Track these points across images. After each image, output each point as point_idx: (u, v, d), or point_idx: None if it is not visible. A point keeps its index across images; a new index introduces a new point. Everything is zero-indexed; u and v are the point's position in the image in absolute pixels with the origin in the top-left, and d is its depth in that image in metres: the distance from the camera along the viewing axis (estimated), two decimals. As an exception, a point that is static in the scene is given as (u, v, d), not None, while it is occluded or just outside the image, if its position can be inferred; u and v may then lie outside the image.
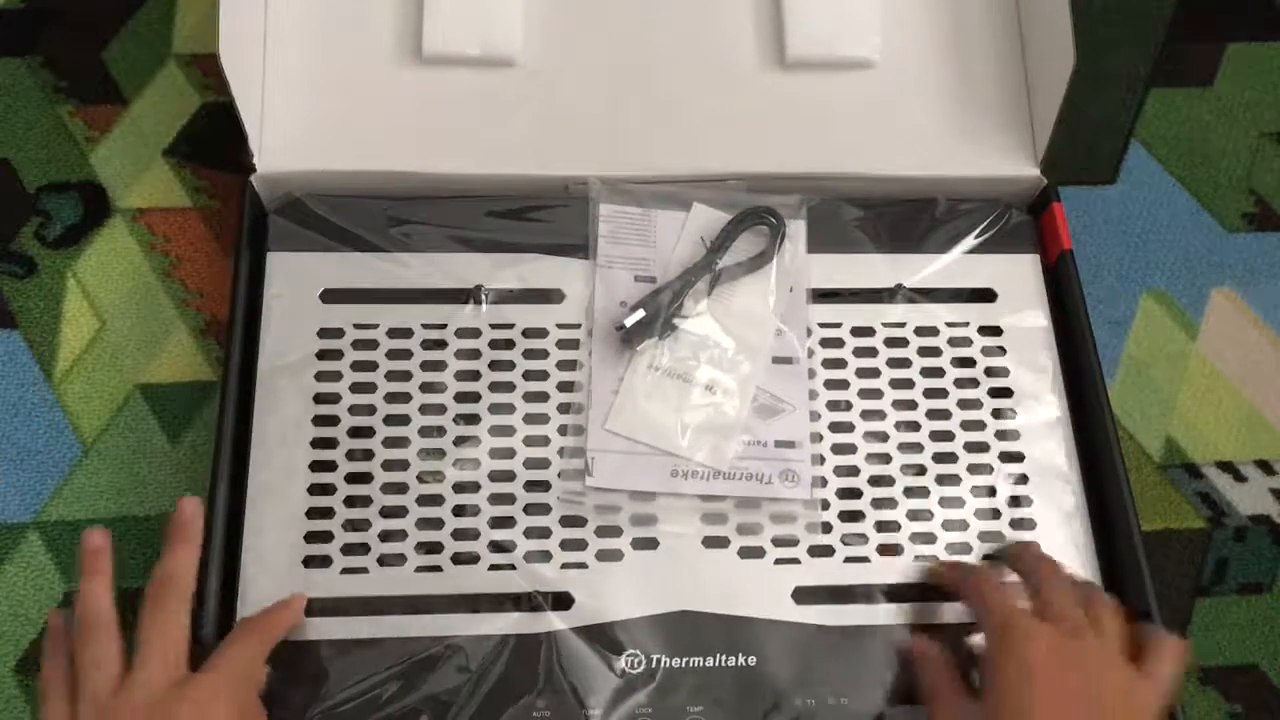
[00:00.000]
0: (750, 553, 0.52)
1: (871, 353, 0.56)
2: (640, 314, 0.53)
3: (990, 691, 0.44)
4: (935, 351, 0.57)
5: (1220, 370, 0.64)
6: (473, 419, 0.53)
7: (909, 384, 0.56)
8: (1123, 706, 0.43)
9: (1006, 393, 0.56)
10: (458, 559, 0.51)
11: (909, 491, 0.54)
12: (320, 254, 0.56)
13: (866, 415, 0.55)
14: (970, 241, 0.59)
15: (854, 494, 0.53)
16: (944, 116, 0.61)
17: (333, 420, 0.53)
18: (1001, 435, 0.55)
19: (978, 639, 0.49)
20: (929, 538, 0.53)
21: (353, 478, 0.52)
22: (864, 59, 0.61)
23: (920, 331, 0.57)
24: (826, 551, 0.52)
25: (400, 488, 0.52)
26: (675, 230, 0.57)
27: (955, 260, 0.58)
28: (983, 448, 0.55)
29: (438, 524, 0.52)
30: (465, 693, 0.48)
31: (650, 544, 0.52)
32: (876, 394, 0.55)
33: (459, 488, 0.52)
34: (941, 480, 0.54)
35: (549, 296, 0.56)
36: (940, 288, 0.58)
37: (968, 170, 0.60)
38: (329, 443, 0.52)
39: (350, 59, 0.60)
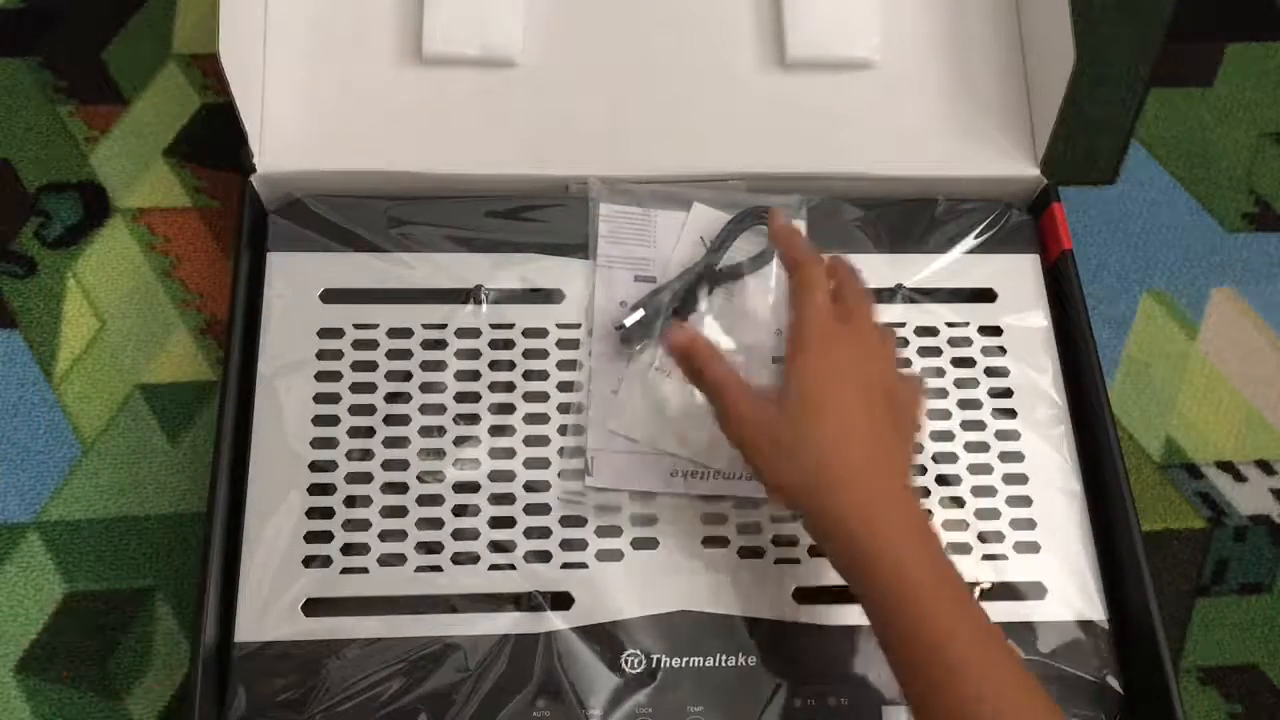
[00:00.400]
0: (750, 553, 0.52)
1: (871, 353, 0.56)
2: (640, 314, 0.53)
3: (790, 378, 0.46)
4: (935, 351, 0.57)
5: (1220, 370, 0.64)
6: (473, 419, 0.53)
7: (909, 384, 0.56)
8: (899, 400, 0.48)
9: (1007, 393, 0.56)
10: (458, 559, 0.51)
11: (909, 491, 0.54)
12: (320, 254, 0.56)
13: (866, 415, 0.55)
14: (970, 241, 0.59)
15: (854, 494, 0.53)
16: (944, 116, 0.61)
17: (333, 420, 0.53)
18: (1001, 435, 0.55)
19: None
20: (929, 538, 0.53)
21: (353, 477, 0.52)
22: (864, 59, 0.61)
23: (920, 331, 0.57)
24: (826, 551, 0.52)
25: (400, 488, 0.52)
26: (675, 230, 0.57)
27: (955, 260, 0.58)
28: (982, 448, 0.55)
29: (438, 524, 0.52)
30: (465, 692, 0.48)
31: (650, 544, 0.52)
32: (876, 394, 0.55)
33: (459, 488, 0.52)
34: (941, 480, 0.54)
35: (549, 296, 0.56)
36: (940, 288, 0.58)
37: (968, 170, 0.60)
38: (329, 443, 0.52)
39: (350, 59, 0.60)
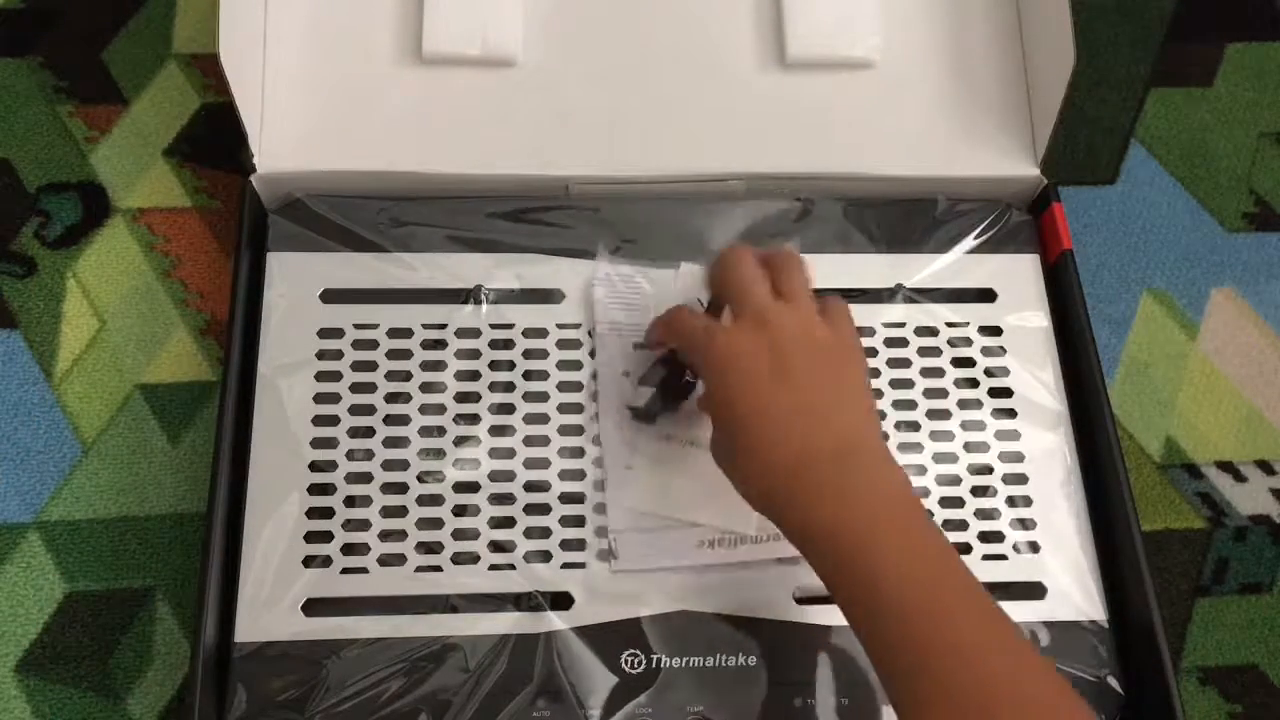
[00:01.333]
0: (750, 553, 0.52)
1: (871, 353, 0.56)
2: (649, 390, 0.52)
3: (708, 400, 0.47)
4: (935, 351, 0.57)
5: (1220, 370, 0.64)
6: (473, 419, 0.53)
7: (909, 384, 0.56)
8: (822, 354, 0.46)
9: (1006, 393, 0.56)
10: (458, 559, 0.51)
11: (909, 491, 0.54)
12: (320, 254, 0.56)
13: (866, 415, 0.55)
14: (970, 241, 0.59)
15: (854, 494, 0.53)
16: (944, 116, 0.61)
17: (333, 420, 0.53)
18: (1001, 436, 0.55)
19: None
20: (929, 538, 0.53)
21: (353, 477, 0.52)
22: (864, 59, 0.61)
23: (920, 331, 0.57)
24: (826, 551, 0.52)
25: (400, 488, 0.52)
26: (666, 292, 0.56)
27: (955, 260, 0.58)
28: (982, 448, 0.55)
29: (438, 524, 0.52)
30: (465, 692, 0.48)
31: (650, 544, 0.52)
32: (876, 394, 0.55)
33: (459, 488, 0.52)
34: (941, 480, 0.54)
35: (549, 296, 0.56)
36: (940, 288, 0.58)
37: (968, 170, 0.60)
38: (329, 443, 0.52)
39: (350, 59, 0.60)
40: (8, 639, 0.54)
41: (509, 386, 0.54)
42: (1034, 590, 0.52)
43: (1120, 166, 0.68)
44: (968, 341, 0.57)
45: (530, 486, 0.52)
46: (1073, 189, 0.67)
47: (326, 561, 0.50)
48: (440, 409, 0.53)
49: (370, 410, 0.53)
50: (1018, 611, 0.51)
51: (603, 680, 0.49)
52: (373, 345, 0.54)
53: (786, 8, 0.61)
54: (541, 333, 0.55)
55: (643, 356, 0.54)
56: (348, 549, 0.51)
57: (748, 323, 0.46)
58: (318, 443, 0.52)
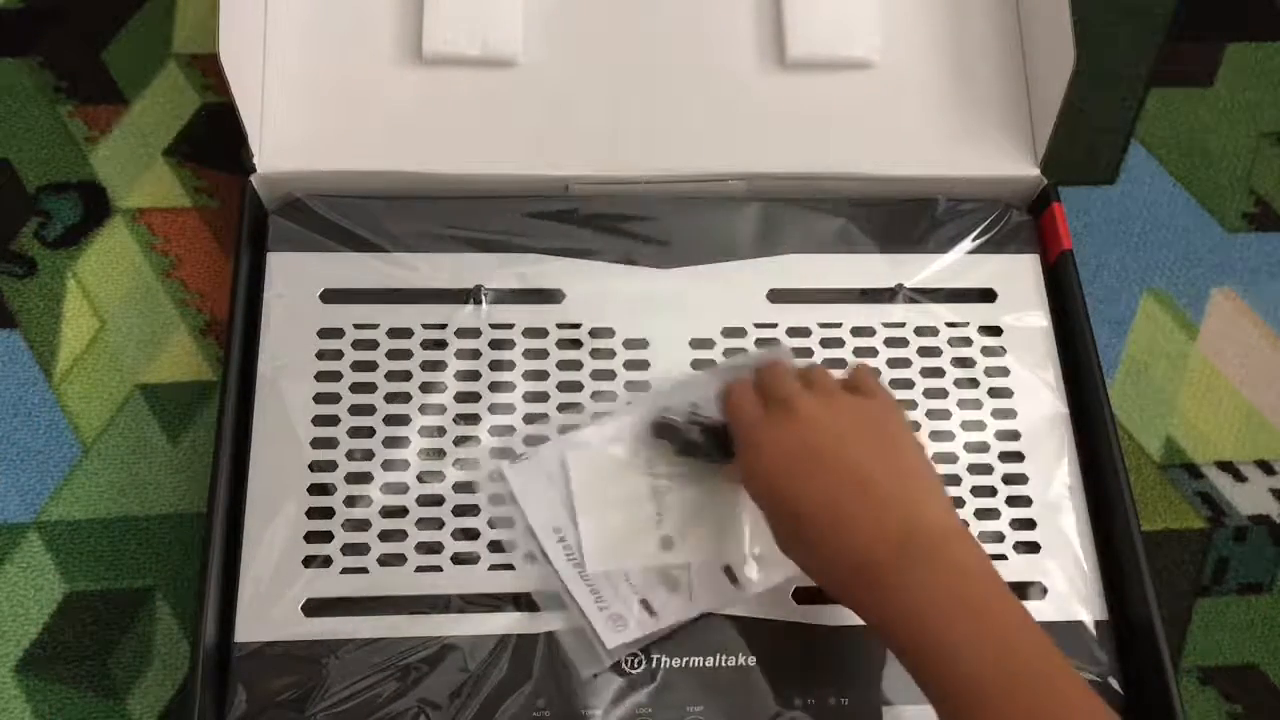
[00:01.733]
0: (750, 553, 0.52)
1: (871, 353, 0.56)
2: (681, 421, 0.51)
3: (747, 484, 0.47)
4: (935, 351, 0.57)
5: (1220, 370, 0.64)
6: (473, 419, 0.53)
7: (909, 384, 0.56)
8: (855, 429, 0.45)
9: (1006, 393, 0.56)
10: (458, 559, 0.51)
11: (909, 491, 0.53)
12: (320, 254, 0.56)
13: (866, 415, 0.55)
14: (970, 242, 0.59)
15: (854, 494, 0.53)
16: (944, 116, 0.61)
17: (333, 420, 0.53)
18: (1001, 435, 0.55)
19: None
20: (929, 538, 0.53)
21: (353, 477, 0.52)
22: (864, 59, 0.61)
23: (920, 331, 0.57)
24: (826, 551, 0.52)
25: (400, 488, 0.52)
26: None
27: (955, 260, 0.58)
28: (982, 448, 0.55)
29: (438, 524, 0.52)
30: (464, 692, 0.48)
31: (650, 544, 0.52)
32: (876, 394, 0.55)
33: (459, 488, 0.52)
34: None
35: (549, 296, 0.56)
36: (940, 288, 0.58)
37: (968, 170, 0.60)
38: (329, 443, 0.52)
39: (350, 59, 0.60)
40: (8, 639, 0.54)
41: (509, 386, 0.54)
42: (1034, 590, 0.52)
43: (1120, 166, 0.68)
44: (968, 341, 0.57)
45: (530, 486, 0.52)
46: (1073, 189, 0.67)
47: (326, 561, 0.50)
48: (440, 409, 0.53)
49: (370, 410, 0.53)
50: (1018, 611, 0.51)
51: (603, 680, 0.49)
52: (373, 345, 0.54)
53: (786, 8, 0.61)
54: (541, 333, 0.55)
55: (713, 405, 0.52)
56: (348, 549, 0.51)
57: (777, 413, 0.46)
58: (318, 443, 0.52)
